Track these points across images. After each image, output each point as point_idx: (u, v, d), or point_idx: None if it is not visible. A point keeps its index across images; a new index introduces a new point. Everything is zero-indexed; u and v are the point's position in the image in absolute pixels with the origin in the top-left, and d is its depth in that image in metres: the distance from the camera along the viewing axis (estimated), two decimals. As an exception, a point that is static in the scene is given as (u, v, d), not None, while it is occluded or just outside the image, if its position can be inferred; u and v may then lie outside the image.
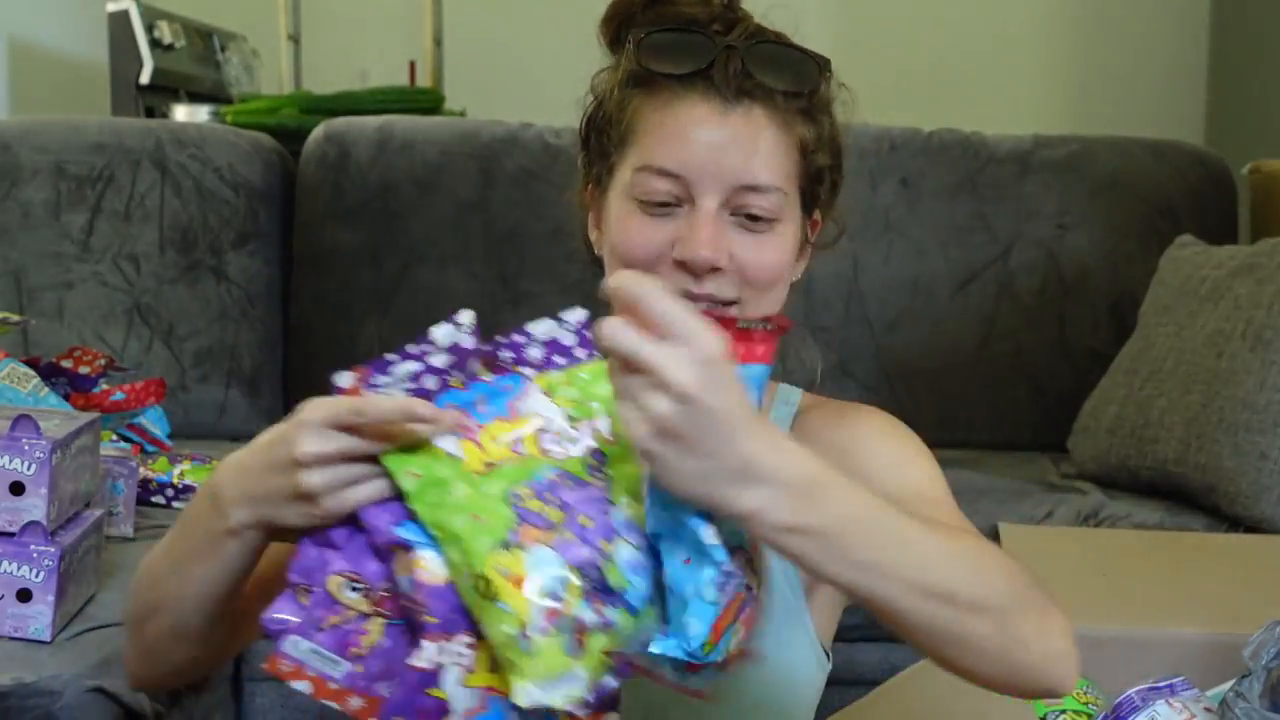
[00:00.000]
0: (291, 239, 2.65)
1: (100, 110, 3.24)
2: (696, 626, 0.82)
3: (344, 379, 0.90)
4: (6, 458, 1.46)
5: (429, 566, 0.84)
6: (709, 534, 0.82)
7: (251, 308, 2.58)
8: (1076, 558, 1.85)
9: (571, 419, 0.91)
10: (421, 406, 0.85)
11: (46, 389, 2.01)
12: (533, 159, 2.62)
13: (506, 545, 0.82)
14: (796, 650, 1.16)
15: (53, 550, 1.47)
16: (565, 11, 2.95)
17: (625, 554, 0.84)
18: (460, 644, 0.84)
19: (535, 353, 0.93)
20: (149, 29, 3.13)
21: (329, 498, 0.88)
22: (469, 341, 0.91)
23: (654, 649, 0.82)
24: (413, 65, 3.67)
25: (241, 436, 2.53)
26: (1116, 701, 1.34)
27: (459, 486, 0.85)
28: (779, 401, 1.21)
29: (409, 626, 0.87)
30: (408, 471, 0.86)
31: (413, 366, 0.90)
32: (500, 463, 0.87)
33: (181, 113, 3.15)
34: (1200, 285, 2.28)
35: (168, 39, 3.19)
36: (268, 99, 3.29)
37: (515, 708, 0.82)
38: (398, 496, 0.87)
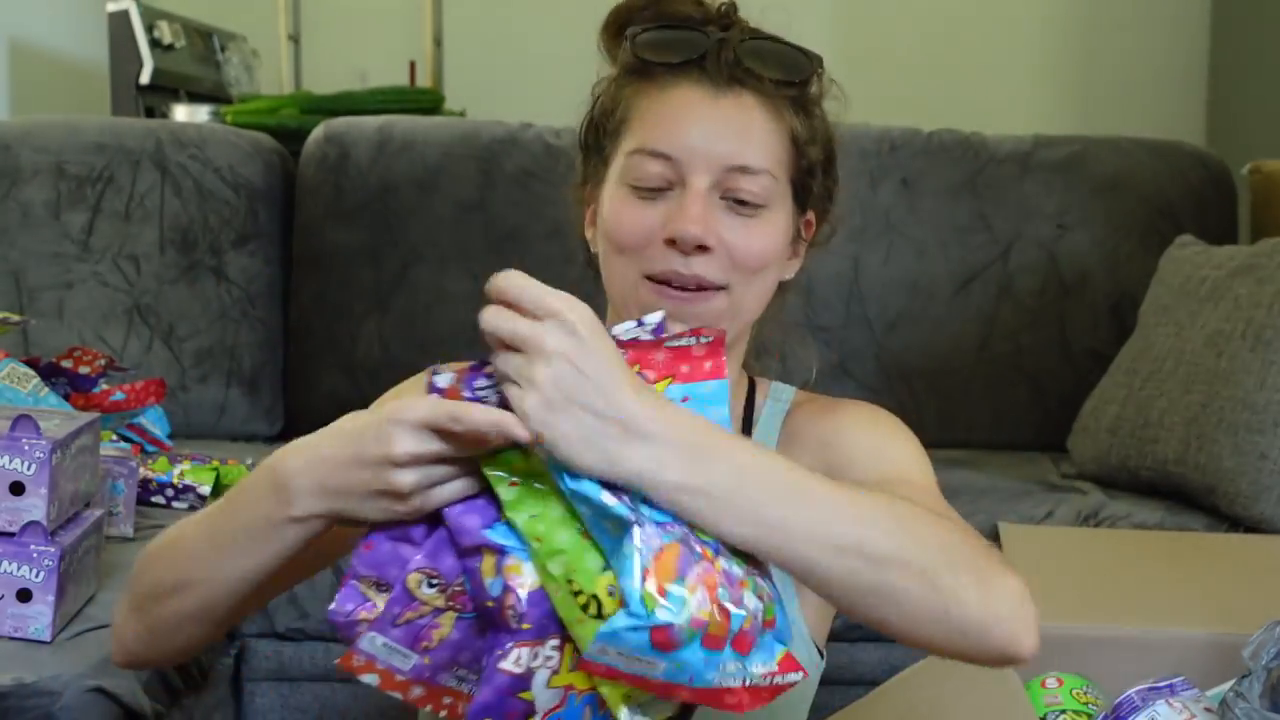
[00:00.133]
0: (291, 239, 2.64)
1: (100, 110, 3.24)
2: (628, 584, 0.80)
3: (443, 379, 0.89)
4: (6, 458, 1.46)
5: (524, 573, 0.85)
6: (608, 496, 0.83)
7: (251, 308, 2.58)
8: (1076, 558, 1.85)
9: None
10: (518, 427, 0.84)
11: (46, 389, 2.01)
12: (533, 159, 2.62)
13: (608, 567, 0.83)
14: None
15: (53, 550, 1.47)
16: (565, 12, 2.95)
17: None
18: (550, 647, 0.85)
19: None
20: (149, 29, 3.12)
21: (417, 497, 0.88)
22: None
23: (603, 628, 0.81)
24: (413, 65, 3.67)
25: (241, 437, 2.54)
26: (1116, 701, 1.35)
27: (557, 502, 0.86)
28: (771, 399, 1.22)
29: (478, 619, 0.87)
30: (506, 480, 0.86)
31: None
32: None
33: (181, 113, 3.15)
34: (1200, 285, 2.28)
35: (168, 39, 3.18)
36: (268, 99, 3.29)
37: (591, 705, 0.84)
38: (477, 495, 0.88)
